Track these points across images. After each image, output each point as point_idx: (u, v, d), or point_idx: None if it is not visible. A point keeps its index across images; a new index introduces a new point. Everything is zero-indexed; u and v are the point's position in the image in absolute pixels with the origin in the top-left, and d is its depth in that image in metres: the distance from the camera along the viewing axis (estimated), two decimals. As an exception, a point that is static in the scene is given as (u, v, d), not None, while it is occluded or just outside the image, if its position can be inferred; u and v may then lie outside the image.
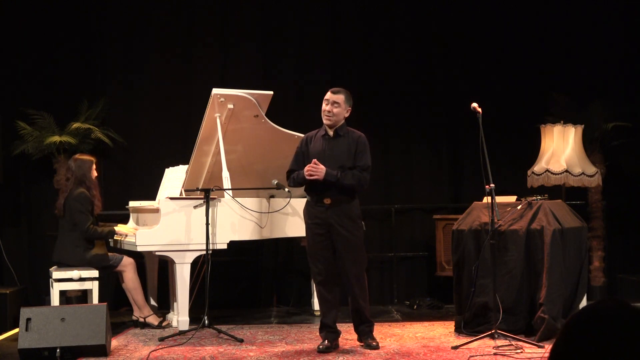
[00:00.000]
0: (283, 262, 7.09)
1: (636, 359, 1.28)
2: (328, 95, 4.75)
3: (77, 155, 5.75)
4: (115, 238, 5.74)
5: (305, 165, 4.67)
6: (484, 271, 5.04)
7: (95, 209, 5.57)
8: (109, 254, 5.58)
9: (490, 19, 7.20)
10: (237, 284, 6.97)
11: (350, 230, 4.68)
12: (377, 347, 4.70)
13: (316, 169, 4.56)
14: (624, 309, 1.34)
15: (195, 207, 5.25)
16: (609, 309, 1.35)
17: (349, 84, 6.95)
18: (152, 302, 6.15)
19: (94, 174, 5.66)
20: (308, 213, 4.78)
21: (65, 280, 5.32)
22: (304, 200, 5.93)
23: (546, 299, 4.86)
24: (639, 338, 1.29)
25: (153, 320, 5.62)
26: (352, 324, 5.41)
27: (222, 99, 5.39)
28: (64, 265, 5.44)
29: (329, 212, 4.66)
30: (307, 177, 4.59)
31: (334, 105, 4.72)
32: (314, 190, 4.71)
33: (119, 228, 5.72)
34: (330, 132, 4.76)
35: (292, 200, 5.71)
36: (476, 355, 4.45)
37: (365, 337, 4.78)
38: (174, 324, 5.51)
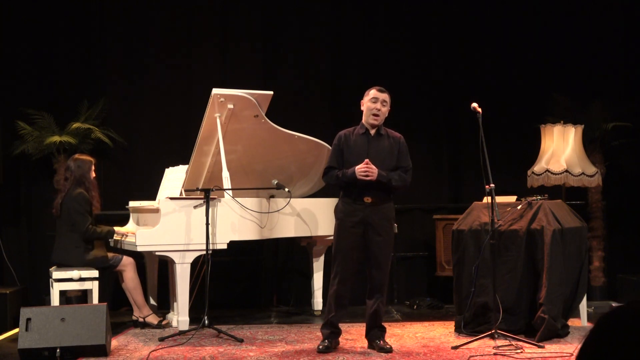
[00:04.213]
0: (283, 262, 7.09)
1: None
2: (376, 93, 4.67)
3: (77, 155, 5.73)
4: (115, 238, 5.74)
5: (344, 163, 4.64)
6: (484, 271, 5.04)
7: (93, 210, 5.56)
8: (109, 254, 5.58)
9: (490, 19, 7.20)
10: (237, 284, 6.97)
11: (387, 232, 4.64)
12: (390, 350, 4.61)
13: (371, 170, 4.48)
14: None
15: (195, 207, 5.25)
16: None
17: (349, 84, 7.01)
18: (152, 302, 6.15)
19: (93, 174, 5.65)
20: (344, 210, 4.65)
21: (65, 280, 5.31)
22: (304, 200, 5.97)
23: (546, 299, 4.86)
24: None
25: (153, 320, 5.62)
26: (351, 324, 5.43)
27: (222, 99, 5.39)
28: (64, 266, 5.44)
29: (367, 210, 4.58)
30: (362, 178, 4.49)
31: (383, 104, 4.67)
32: (355, 187, 4.59)
33: (118, 228, 5.73)
34: (372, 131, 4.69)
35: (292, 200, 5.71)
36: (476, 355, 4.45)
37: (378, 340, 4.68)
38: (174, 324, 5.51)
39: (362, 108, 4.74)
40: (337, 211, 4.72)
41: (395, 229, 4.81)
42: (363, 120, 4.73)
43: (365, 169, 4.48)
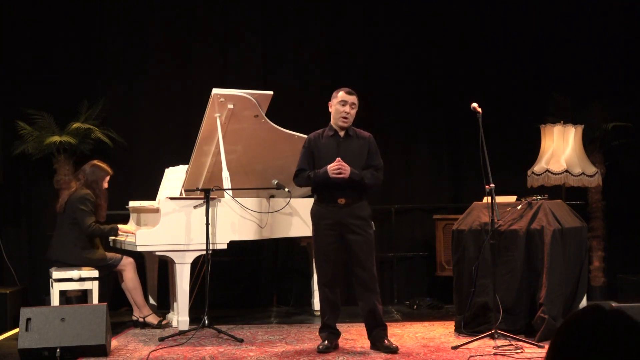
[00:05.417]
0: (283, 262, 7.09)
1: None
2: (344, 96, 4.66)
3: (96, 161, 5.73)
4: (117, 238, 5.73)
5: (314, 165, 4.63)
6: (484, 271, 5.04)
7: (97, 217, 5.55)
8: (109, 254, 5.57)
9: (490, 19, 7.20)
10: (237, 284, 6.97)
11: (364, 230, 4.62)
12: (397, 350, 4.57)
13: (344, 168, 4.48)
14: (614, 315, 1.35)
15: (195, 207, 5.25)
16: (599, 316, 1.36)
17: (349, 84, 6.97)
18: (152, 302, 6.15)
19: (105, 185, 5.66)
20: (318, 213, 4.65)
21: (65, 280, 5.31)
22: (304, 200, 5.96)
23: (546, 299, 4.86)
24: (627, 346, 1.31)
25: (153, 319, 5.62)
26: (351, 324, 5.44)
27: (222, 99, 5.39)
28: (61, 263, 5.44)
29: (342, 212, 4.57)
30: (334, 176, 4.48)
31: (352, 106, 4.67)
32: (327, 189, 4.59)
33: (122, 226, 5.72)
34: (341, 133, 4.70)
35: (292, 200, 5.70)
36: (476, 355, 4.45)
37: (381, 340, 4.64)
38: (174, 324, 5.51)
39: (330, 109, 4.74)
40: (313, 215, 4.72)
41: (372, 227, 4.77)
42: (332, 122, 4.73)
43: (337, 167, 4.48)
